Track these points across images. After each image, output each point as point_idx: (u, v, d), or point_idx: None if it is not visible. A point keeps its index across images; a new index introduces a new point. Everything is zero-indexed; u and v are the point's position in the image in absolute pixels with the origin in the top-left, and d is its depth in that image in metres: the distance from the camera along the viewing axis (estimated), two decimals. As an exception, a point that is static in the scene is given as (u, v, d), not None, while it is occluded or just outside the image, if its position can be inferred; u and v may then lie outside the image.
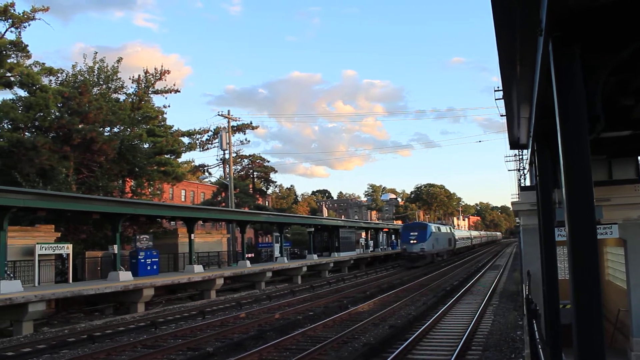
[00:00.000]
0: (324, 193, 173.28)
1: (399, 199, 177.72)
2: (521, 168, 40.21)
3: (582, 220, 4.65)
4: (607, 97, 7.62)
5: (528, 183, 30.03)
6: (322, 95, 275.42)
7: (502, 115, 23.79)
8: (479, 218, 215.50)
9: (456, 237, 70.93)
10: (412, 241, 50.96)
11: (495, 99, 24.63)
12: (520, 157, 39.78)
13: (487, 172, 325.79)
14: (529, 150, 13.75)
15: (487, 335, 15.87)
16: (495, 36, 6.35)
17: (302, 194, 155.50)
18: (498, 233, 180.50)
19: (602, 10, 4.81)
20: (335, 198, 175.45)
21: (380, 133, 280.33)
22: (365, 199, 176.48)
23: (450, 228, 70.33)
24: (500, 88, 16.77)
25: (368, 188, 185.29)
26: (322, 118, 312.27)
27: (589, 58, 4.98)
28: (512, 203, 23.53)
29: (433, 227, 55.49)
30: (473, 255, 73.47)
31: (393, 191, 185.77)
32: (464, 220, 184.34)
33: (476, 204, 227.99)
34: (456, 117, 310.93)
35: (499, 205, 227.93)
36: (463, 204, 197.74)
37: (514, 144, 14.55)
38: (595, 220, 4.95)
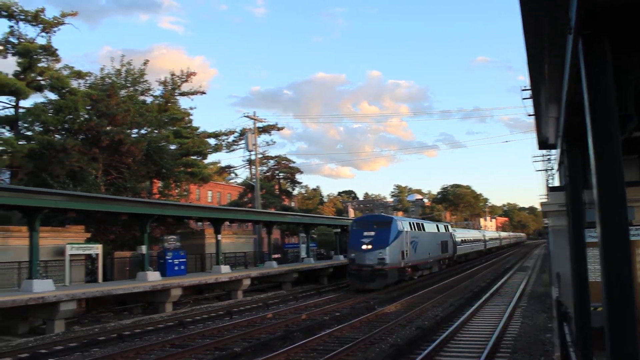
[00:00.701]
0: (350, 194, 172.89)
1: (425, 200, 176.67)
2: (549, 168, 39.69)
3: (614, 222, 4.57)
4: (639, 95, 7.47)
5: (556, 183, 29.60)
6: (347, 96, 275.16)
7: (529, 115, 23.44)
8: (507, 219, 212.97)
9: (457, 240, 52.46)
10: (364, 246, 31.31)
11: (523, 99, 24.32)
12: (548, 157, 39.28)
13: (514, 172, 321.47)
14: (558, 150, 13.55)
15: (515, 338, 15.69)
16: (523, 36, 6.27)
17: (328, 195, 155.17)
18: (522, 234, 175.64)
19: (634, 8, 4.73)
20: (361, 199, 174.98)
21: (406, 133, 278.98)
22: (392, 199, 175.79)
23: (446, 227, 50.36)
24: (528, 87, 16.55)
25: (394, 189, 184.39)
26: (347, 119, 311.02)
27: (620, 56, 4.89)
28: (541, 204, 23.20)
29: (405, 224, 34.68)
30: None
31: (419, 192, 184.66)
32: (491, 221, 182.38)
33: (503, 205, 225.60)
34: (482, 117, 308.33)
35: (527, 206, 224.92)
36: (490, 204, 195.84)
37: (543, 144, 14.33)
38: (628, 222, 4.85)
